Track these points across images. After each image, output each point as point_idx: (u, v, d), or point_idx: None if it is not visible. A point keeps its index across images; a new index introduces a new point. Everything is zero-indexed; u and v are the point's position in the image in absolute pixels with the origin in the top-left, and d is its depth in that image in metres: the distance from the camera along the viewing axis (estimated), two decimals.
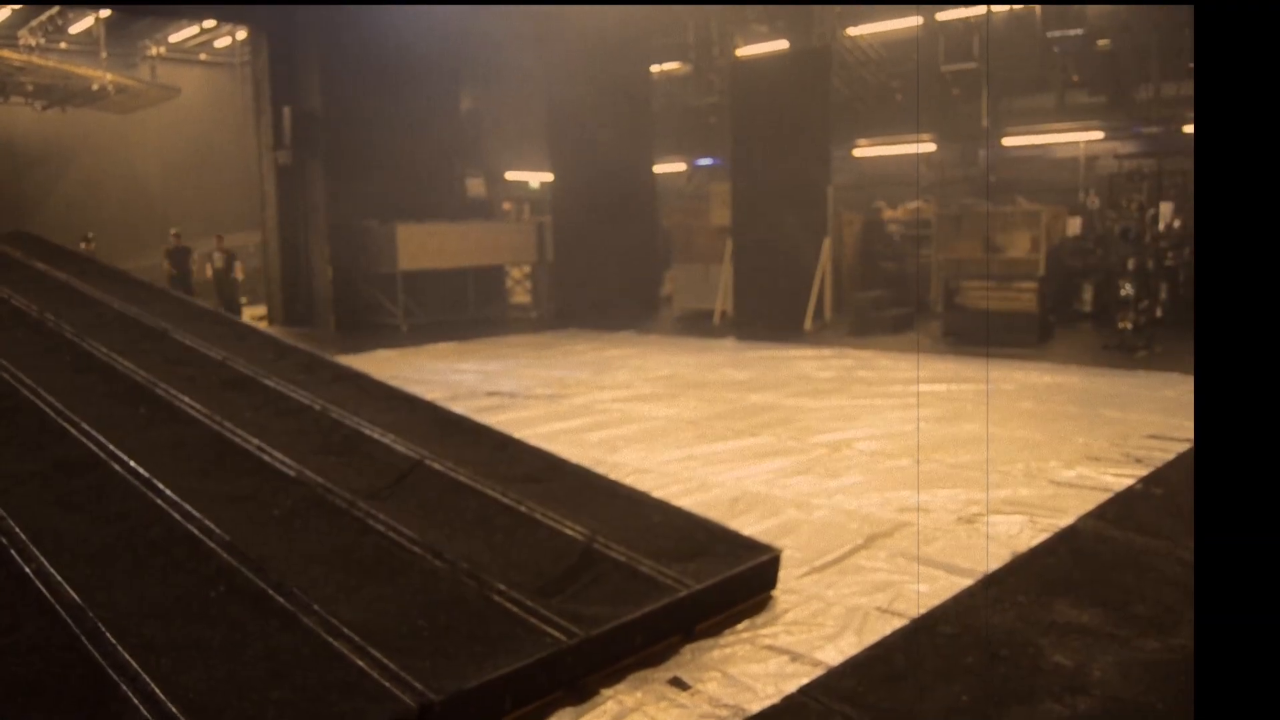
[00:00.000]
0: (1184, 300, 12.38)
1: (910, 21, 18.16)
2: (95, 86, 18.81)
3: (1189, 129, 15.27)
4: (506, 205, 19.76)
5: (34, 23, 19.70)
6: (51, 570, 3.62)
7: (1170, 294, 12.21)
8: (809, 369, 10.75)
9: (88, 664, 3.10)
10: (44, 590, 3.51)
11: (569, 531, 4.36)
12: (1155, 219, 11.82)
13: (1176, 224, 12.59)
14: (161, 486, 4.46)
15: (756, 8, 16.60)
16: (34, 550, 3.79)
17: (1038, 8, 15.84)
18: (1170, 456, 6.55)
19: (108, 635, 3.20)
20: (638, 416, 8.33)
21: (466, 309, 16.48)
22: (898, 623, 4.01)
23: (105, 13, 19.94)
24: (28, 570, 3.67)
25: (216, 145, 21.84)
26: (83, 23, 21.06)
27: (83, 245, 15.20)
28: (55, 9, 19.33)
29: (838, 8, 16.97)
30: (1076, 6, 14.82)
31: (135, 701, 2.90)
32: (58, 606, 3.40)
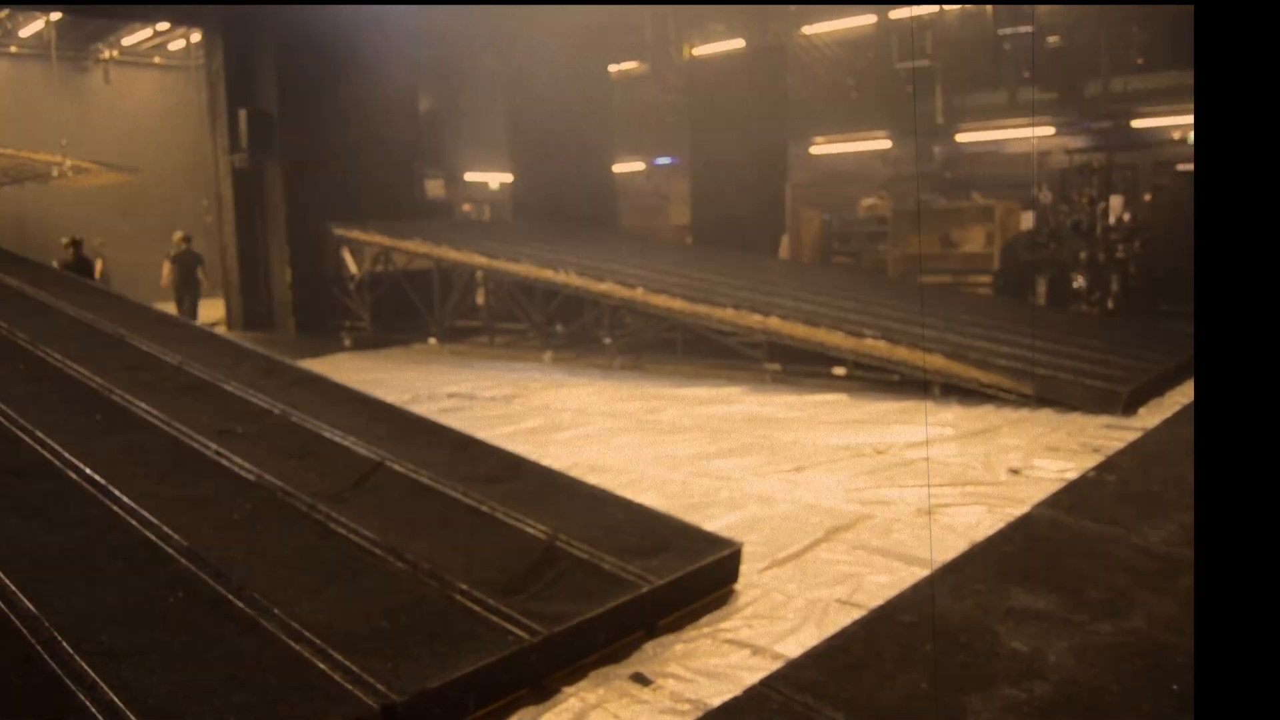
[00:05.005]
0: (1135, 291, 12.60)
1: (864, 20, 18.35)
2: (55, 173, 18.88)
3: (1137, 123, 15.53)
4: (466, 206, 19.64)
5: None
6: (5, 579, 3.57)
7: (1121, 285, 12.43)
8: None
9: (44, 674, 3.06)
10: None
11: (531, 530, 4.37)
12: (1106, 212, 12.03)
13: (1126, 217, 12.80)
14: (118, 493, 4.42)
15: (713, 7, 16.68)
16: None
17: (989, 5, 16.06)
18: (1122, 445, 6.68)
19: (64, 644, 3.17)
20: (598, 415, 8.34)
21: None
22: (857, 614, 4.06)
23: (56, 15, 19.65)
24: None
25: (172, 149, 21.59)
26: (33, 26, 20.74)
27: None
28: (4, 12, 19.04)
29: (793, 6, 17.09)
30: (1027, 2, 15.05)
31: (94, 710, 2.87)
32: (12, 616, 3.36)
